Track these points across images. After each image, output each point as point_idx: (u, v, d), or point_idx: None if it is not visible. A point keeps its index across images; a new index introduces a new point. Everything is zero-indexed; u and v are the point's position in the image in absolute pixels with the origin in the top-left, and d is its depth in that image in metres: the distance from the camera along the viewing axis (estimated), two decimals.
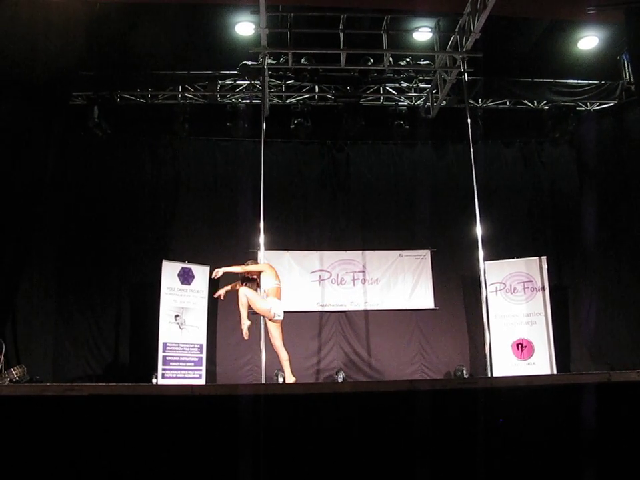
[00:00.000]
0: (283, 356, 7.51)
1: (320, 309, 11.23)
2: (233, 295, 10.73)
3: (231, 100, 11.05)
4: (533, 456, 4.09)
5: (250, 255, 10.78)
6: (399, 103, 11.32)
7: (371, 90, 11.16)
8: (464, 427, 4.21)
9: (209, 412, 4.19)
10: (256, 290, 7.35)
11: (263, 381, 8.39)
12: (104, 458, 4.00)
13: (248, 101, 11.05)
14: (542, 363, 10.21)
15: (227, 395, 4.43)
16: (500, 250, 10.87)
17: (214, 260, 10.92)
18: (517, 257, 10.89)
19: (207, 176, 11.55)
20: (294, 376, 7.52)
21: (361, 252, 11.51)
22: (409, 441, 4.16)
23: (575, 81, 11.05)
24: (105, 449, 4.01)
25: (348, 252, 11.50)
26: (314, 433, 4.12)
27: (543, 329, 10.37)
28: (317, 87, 11.05)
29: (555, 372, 10.02)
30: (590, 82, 11.03)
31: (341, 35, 9.35)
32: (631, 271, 10.81)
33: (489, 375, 8.65)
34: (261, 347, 7.82)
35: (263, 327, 7.87)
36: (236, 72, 10.40)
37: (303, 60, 9.97)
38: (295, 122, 10.94)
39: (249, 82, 10.82)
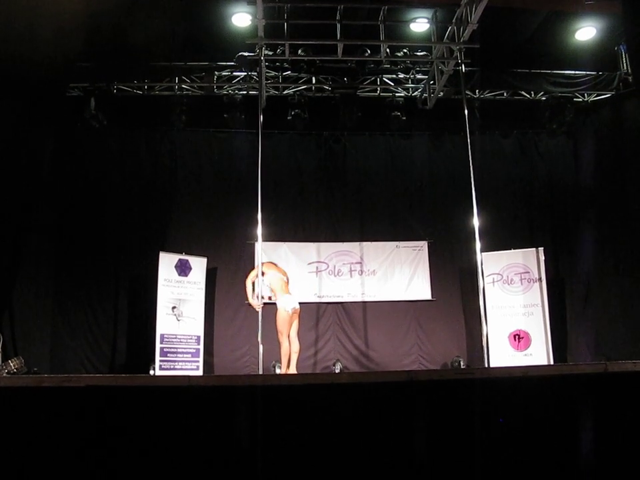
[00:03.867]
0: (294, 347, 7.63)
1: (317, 300, 11.24)
2: (229, 288, 10.84)
3: (227, 91, 11.01)
4: (530, 446, 4.11)
5: (247, 247, 10.83)
6: (396, 94, 11.28)
7: (368, 81, 11.13)
8: (461, 417, 4.22)
9: (206, 403, 4.20)
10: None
11: (261, 372, 8.40)
12: (101, 448, 4.01)
13: (245, 92, 11.01)
14: (539, 354, 10.25)
15: (224, 385, 4.44)
16: (497, 241, 10.86)
17: (211, 251, 10.97)
18: (514, 248, 10.90)
19: (204, 167, 11.54)
20: (297, 369, 7.61)
21: (358, 243, 11.52)
22: (406, 431, 4.18)
23: (573, 72, 11.01)
24: (103, 439, 4.02)
25: (345, 243, 11.51)
26: (311, 424, 4.13)
27: (540, 320, 10.39)
28: (313, 78, 11.00)
29: (552, 362, 10.06)
30: (587, 73, 10.99)
31: (338, 25, 9.30)
32: (627, 262, 10.83)
33: (486, 366, 8.67)
34: (259, 338, 7.82)
35: (260, 318, 7.87)
36: (233, 63, 10.35)
37: (299, 51, 9.93)
38: (292, 113, 10.91)
39: (245, 73, 10.78)
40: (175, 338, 10.18)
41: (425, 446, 4.10)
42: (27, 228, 9.20)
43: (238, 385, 4.43)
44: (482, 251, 8.94)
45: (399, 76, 11.11)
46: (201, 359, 10.36)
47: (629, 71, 10.67)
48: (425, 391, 4.30)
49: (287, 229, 11.39)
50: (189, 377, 5.46)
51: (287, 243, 11.30)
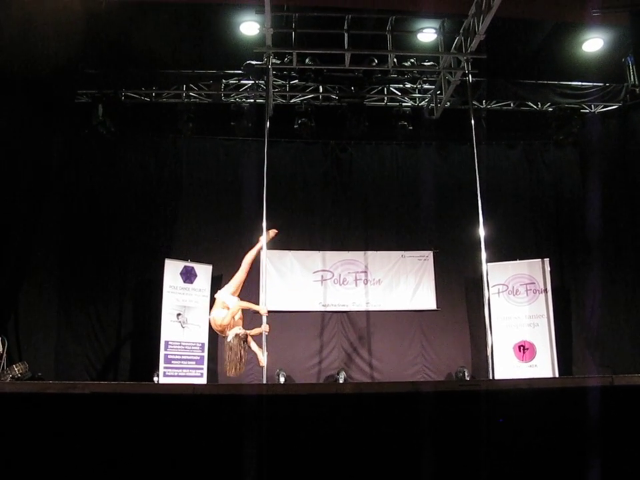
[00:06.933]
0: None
1: (322, 309, 11.24)
2: None
3: (235, 99, 11.06)
4: (536, 459, 4.09)
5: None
6: (403, 104, 11.31)
7: (375, 90, 11.15)
8: (466, 430, 4.20)
9: (210, 411, 4.19)
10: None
11: (264, 381, 8.39)
12: (105, 456, 4.00)
13: (252, 101, 11.06)
14: (544, 365, 10.21)
15: (228, 394, 4.43)
16: (503, 251, 10.87)
17: (216, 259, 10.97)
18: (520, 259, 10.89)
19: (211, 175, 11.56)
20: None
21: (363, 252, 11.52)
22: (410, 442, 4.16)
23: (580, 83, 11.02)
24: (107, 447, 4.01)
25: (350, 252, 11.51)
26: (316, 434, 4.12)
27: (545, 331, 10.36)
28: (321, 87, 11.04)
29: (557, 374, 10.03)
30: (594, 84, 11.00)
31: (346, 35, 9.35)
32: (633, 274, 10.80)
33: (491, 377, 8.64)
34: (263, 346, 7.80)
35: (264, 326, 7.84)
36: (240, 71, 10.41)
37: (307, 60, 9.98)
38: (299, 122, 10.94)
39: (253, 81, 10.82)
40: (180, 345, 10.18)
41: (429, 458, 4.08)
42: (33, 234, 9.23)
43: (243, 394, 4.43)
44: (487, 261, 8.93)
45: (406, 86, 11.14)
46: (205, 367, 10.36)
47: (636, 82, 10.71)
48: (430, 402, 4.28)
49: (292, 237, 11.38)
50: (193, 385, 5.46)
51: (292, 251, 11.31)
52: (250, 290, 10.49)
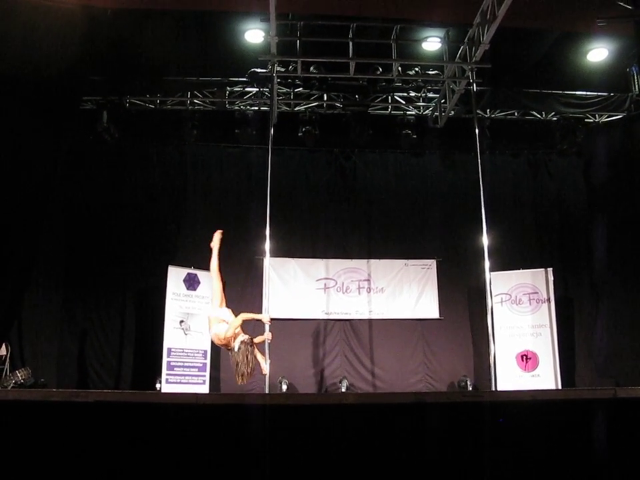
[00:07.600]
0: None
1: (325, 317, 11.22)
2: (237, 303, 10.80)
3: (239, 107, 11.07)
4: (539, 471, 4.08)
5: (256, 262, 10.81)
6: (407, 113, 11.31)
7: (380, 99, 11.16)
8: (469, 440, 4.19)
9: (213, 421, 4.19)
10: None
11: (267, 389, 8.39)
12: (109, 465, 4.00)
13: (256, 108, 11.07)
14: (546, 375, 10.19)
15: (231, 404, 4.43)
16: (506, 261, 10.83)
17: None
18: (523, 268, 10.87)
19: (214, 182, 11.57)
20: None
21: (366, 260, 11.50)
22: (413, 453, 4.15)
23: (584, 93, 11.00)
24: (110, 455, 4.01)
25: (354, 260, 11.50)
26: (319, 444, 4.11)
27: (548, 340, 10.34)
28: (325, 96, 11.05)
29: (560, 384, 10.00)
30: (599, 94, 10.98)
31: (350, 44, 9.37)
32: (637, 284, 10.77)
33: (494, 386, 8.63)
34: (265, 354, 7.79)
35: (267, 333, 7.81)
36: (245, 79, 10.42)
37: (311, 68, 9.98)
38: (303, 130, 10.94)
39: (257, 89, 10.82)
40: (182, 352, 10.17)
41: (432, 468, 4.07)
42: (37, 240, 9.24)
43: (245, 403, 4.42)
44: (490, 270, 8.92)
45: (411, 94, 11.15)
46: (207, 374, 10.34)
47: None
48: (433, 413, 4.28)
49: (295, 244, 11.39)
50: (196, 394, 5.46)
51: (295, 259, 11.30)
52: (253, 297, 10.55)
